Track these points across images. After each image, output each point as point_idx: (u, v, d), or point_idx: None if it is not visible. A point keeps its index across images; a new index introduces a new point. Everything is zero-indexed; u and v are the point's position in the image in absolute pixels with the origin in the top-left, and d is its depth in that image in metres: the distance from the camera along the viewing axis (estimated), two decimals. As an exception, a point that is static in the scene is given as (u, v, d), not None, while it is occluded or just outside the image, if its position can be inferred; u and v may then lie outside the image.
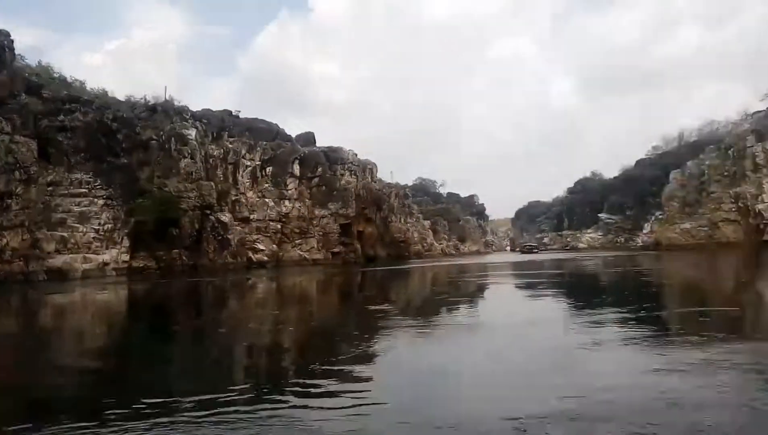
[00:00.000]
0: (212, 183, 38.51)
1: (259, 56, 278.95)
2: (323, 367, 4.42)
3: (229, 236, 38.48)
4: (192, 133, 38.79)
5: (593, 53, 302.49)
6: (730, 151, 45.56)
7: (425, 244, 72.74)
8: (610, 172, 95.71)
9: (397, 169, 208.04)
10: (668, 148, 78.08)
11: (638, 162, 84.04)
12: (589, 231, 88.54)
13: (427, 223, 79.17)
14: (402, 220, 64.75)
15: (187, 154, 37.92)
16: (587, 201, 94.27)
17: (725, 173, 45.51)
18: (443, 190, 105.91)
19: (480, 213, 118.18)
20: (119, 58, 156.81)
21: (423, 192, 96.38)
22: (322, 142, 51.88)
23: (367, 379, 3.96)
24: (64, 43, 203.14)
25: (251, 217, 41.87)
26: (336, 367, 4.40)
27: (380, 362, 4.66)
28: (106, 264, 31.11)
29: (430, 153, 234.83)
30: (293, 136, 49.76)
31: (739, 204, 42.08)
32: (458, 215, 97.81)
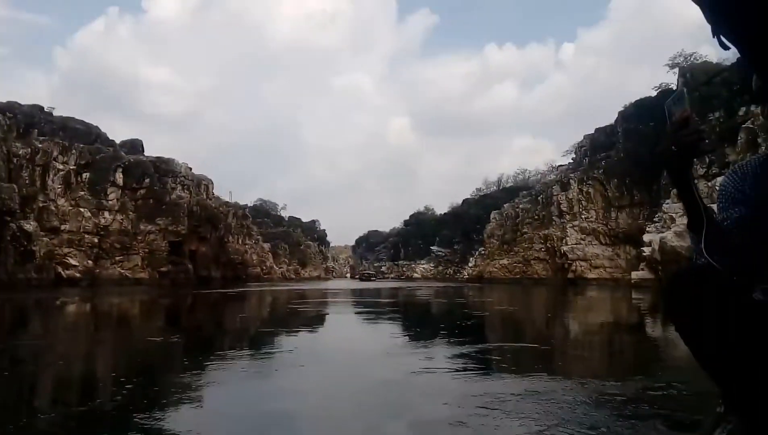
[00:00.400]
0: (14, 186, 32.37)
1: (82, 53, 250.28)
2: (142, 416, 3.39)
3: (33, 248, 32.54)
4: (-11, 125, 32.45)
5: (426, 97, 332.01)
6: (539, 198, 52.35)
7: (264, 267, 70.31)
8: (442, 207, 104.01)
9: (237, 189, 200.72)
10: (489, 191, 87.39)
11: (465, 200, 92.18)
12: (422, 262, 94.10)
13: (267, 245, 76.81)
14: (240, 240, 61.80)
15: (-18, 150, 31.52)
16: (421, 234, 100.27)
17: (536, 217, 52.09)
18: (285, 214, 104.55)
19: (321, 238, 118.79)
20: None
21: (264, 214, 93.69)
22: (151, 151, 47.26)
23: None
24: None
25: (62, 227, 36.01)
26: (148, 415, 3.40)
27: (198, 410, 3.76)
28: None
29: (272, 175, 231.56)
30: (117, 141, 44.55)
31: (547, 245, 48.34)
32: (299, 239, 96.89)
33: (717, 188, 1.37)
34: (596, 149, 48.56)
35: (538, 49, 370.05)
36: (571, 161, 54.10)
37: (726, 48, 1.06)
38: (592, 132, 51.35)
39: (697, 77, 37.71)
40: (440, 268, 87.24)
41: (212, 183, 51.47)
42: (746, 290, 1.19)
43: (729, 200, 1.33)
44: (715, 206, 1.37)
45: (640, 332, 9.11)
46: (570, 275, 42.72)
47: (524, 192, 59.61)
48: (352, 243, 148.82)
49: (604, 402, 3.50)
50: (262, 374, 4.91)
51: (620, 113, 46.63)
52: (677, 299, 1.22)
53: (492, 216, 62.45)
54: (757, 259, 1.23)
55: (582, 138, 52.90)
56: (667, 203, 30.88)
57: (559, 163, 60.08)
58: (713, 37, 1.04)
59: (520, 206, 55.41)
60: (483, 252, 62.23)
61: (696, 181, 1.21)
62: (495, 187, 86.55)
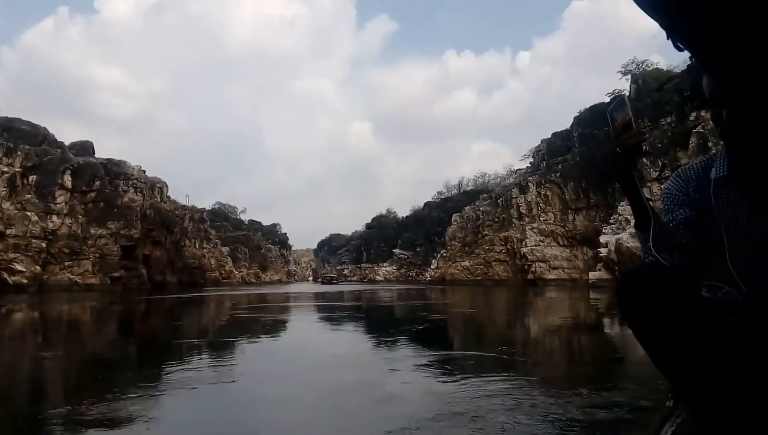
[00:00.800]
0: (-49, 188, 30.41)
1: (30, 53, 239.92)
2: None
3: (-30, 254, 30.59)
4: None
5: (387, 102, 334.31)
6: (499, 201, 53.19)
7: (223, 272, 68.68)
8: (404, 211, 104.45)
9: (194, 193, 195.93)
10: (450, 194, 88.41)
11: (426, 204, 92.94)
12: (384, 264, 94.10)
13: (226, 249, 75.11)
14: (197, 244, 60.17)
15: None
16: (383, 236, 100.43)
17: (496, 219, 52.88)
18: (244, 217, 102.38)
19: (283, 242, 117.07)
20: None
21: (222, 217, 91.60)
22: (104, 154, 45.15)
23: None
24: None
25: (8, 232, 33.98)
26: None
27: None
28: None
29: (231, 179, 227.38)
30: (66, 143, 42.43)
31: (507, 246, 49.11)
32: (259, 243, 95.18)
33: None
34: (553, 153, 49.84)
35: (495, 56, 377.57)
36: (529, 165, 55.30)
37: (681, 50, 1.07)
38: (549, 136, 52.77)
39: (648, 83, 39.25)
40: (403, 270, 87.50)
41: (167, 186, 49.81)
42: (693, 287, 1.25)
43: (674, 202, 1.37)
44: (660, 209, 1.41)
45: (599, 332, 9.22)
46: (530, 276, 43.50)
47: (484, 195, 60.48)
48: (315, 246, 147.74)
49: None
50: (219, 386, 4.50)
51: (575, 118, 48.03)
52: (628, 297, 1.25)
53: (453, 218, 63.07)
54: (702, 258, 1.30)
55: (540, 142, 54.20)
56: (622, 205, 31.85)
57: (518, 167, 61.45)
58: (668, 39, 1.05)
59: (481, 209, 56.13)
60: (445, 254, 62.73)
61: (649, 184, 1.44)
62: (456, 191, 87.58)
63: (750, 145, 1.22)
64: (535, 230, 45.27)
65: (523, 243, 45.64)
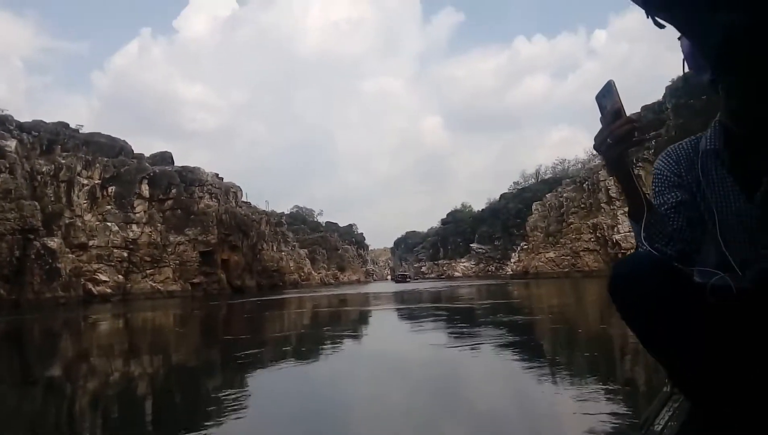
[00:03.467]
0: (36, 203, 31.99)
1: (119, 75, 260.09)
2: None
3: (58, 265, 32.05)
4: (12, 144, 32.20)
5: (456, 95, 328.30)
6: (585, 185, 48.93)
7: (302, 274, 69.28)
8: (479, 204, 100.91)
9: (273, 199, 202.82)
10: (527, 184, 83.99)
11: (502, 195, 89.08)
12: (462, 260, 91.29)
13: (304, 251, 75.84)
14: (275, 248, 60.80)
15: (4, 169, 31.26)
16: (459, 231, 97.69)
17: (582, 205, 48.67)
18: (321, 219, 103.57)
19: (359, 242, 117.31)
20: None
21: (300, 220, 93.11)
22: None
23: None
24: None
25: (90, 243, 35.47)
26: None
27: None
28: None
29: (307, 182, 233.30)
30: (146, 155, 43.90)
31: (597, 234, 44.92)
32: (337, 244, 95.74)
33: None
34: (644, 128, 45.24)
35: (568, 38, 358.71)
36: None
37: (662, 27, 1.05)
38: (639, 111, 48.48)
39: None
40: (481, 265, 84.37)
41: (241, 190, 50.43)
42: (686, 273, 1.23)
43: (665, 184, 1.32)
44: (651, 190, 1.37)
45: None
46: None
47: (567, 180, 56.15)
48: (391, 245, 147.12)
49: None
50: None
51: (668, 88, 43.88)
52: (620, 287, 1.23)
53: (534, 208, 59.28)
54: (695, 242, 1.27)
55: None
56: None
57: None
58: (647, 18, 1.04)
59: (564, 195, 52.06)
60: (526, 246, 59.15)
61: (641, 164, 1.19)
62: (533, 180, 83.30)
63: (744, 113, 1.16)
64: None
65: (615, 229, 41.55)
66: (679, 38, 1.22)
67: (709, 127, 1.30)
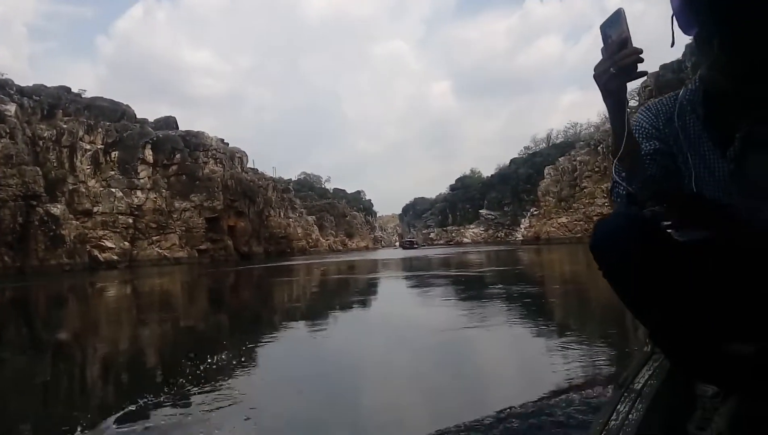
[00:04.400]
0: (38, 169, 31.35)
1: (123, 41, 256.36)
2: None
3: (62, 232, 31.62)
4: (11, 108, 31.33)
5: (465, 58, 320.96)
6: (599, 148, 47.52)
7: (310, 240, 68.93)
8: (488, 170, 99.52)
9: (281, 166, 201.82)
10: (538, 149, 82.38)
11: (512, 160, 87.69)
12: (471, 226, 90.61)
13: (311, 218, 75.35)
14: (282, 214, 60.25)
15: (5, 134, 30.51)
16: (468, 197, 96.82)
17: (596, 169, 47.38)
18: (329, 186, 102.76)
19: (367, 209, 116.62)
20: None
21: (308, 187, 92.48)
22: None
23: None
24: None
25: (95, 209, 34.95)
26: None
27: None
28: None
29: (314, 149, 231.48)
30: (151, 120, 42.84)
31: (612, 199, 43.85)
32: (344, 211, 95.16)
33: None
34: (663, 88, 43.92)
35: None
36: (636, 104, 48.88)
37: None
38: (657, 70, 46.90)
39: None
40: (490, 231, 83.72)
41: (246, 156, 49.46)
42: (664, 228, 1.24)
43: (643, 135, 1.34)
44: None
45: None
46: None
47: (581, 142, 54.64)
48: (399, 211, 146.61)
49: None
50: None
51: (688, 46, 41.50)
52: (603, 247, 1.23)
53: (546, 171, 58.00)
54: (672, 194, 1.28)
55: (645, 78, 47.69)
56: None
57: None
58: None
59: (578, 159, 50.72)
60: (537, 212, 58.13)
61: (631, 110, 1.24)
62: (544, 145, 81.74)
63: (733, 68, 1.13)
64: (644, 178, 39.77)
65: (631, 193, 40.29)
66: None
67: (688, 81, 1.30)
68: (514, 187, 79.62)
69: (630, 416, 1.24)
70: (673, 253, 1.18)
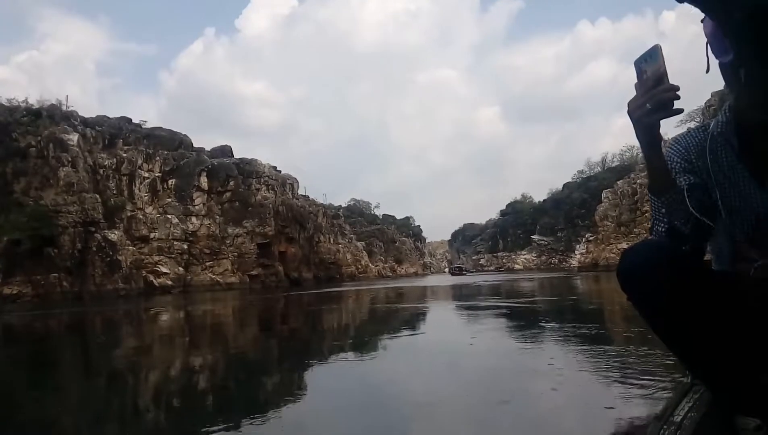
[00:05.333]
0: (97, 196, 32.80)
1: (184, 75, 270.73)
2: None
3: (119, 257, 32.77)
4: (74, 138, 33.10)
5: (513, 85, 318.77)
6: (661, 170, 45.25)
7: (359, 266, 68.82)
8: (539, 195, 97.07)
9: (331, 193, 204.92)
10: (592, 172, 79.74)
11: (565, 185, 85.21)
12: (523, 252, 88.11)
13: (361, 244, 75.40)
14: (332, 240, 60.54)
15: (67, 163, 32.22)
16: (519, 223, 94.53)
17: (657, 192, 45.10)
18: (378, 212, 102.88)
19: (417, 234, 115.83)
20: (30, 71, 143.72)
21: (357, 213, 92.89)
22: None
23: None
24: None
25: (151, 235, 36.16)
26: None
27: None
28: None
29: (363, 176, 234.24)
30: (207, 149, 44.35)
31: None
32: (394, 236, 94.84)
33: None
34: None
35: (635, 20, 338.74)
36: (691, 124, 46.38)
37: (681, 1, 1.10)
38: (723, 88, 44.26)
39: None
40: (543, 257, 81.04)
41: (297, 182, 50.20)
42: (701, 261, 1.23)
43: (677, 170, 1.30)
44: None
45: None
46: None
47: (640, 165, 52.24)
48: (448, 237, 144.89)
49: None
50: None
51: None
52: (635, 279, 1.18)
53: (604, 195, 55.78)
54: (709, 228, 1.24)
55: (709, 96, 45.22)
56: None
57: (673, 136, 52.17)
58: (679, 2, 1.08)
59: (638, 181, 48.42)
60: (592, 238, 55.70)
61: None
62: (599, 168, 78.98)
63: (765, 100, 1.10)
64: (712, 201, 37.29)
65: (697, 217, 37.85)
66: (702, 20, 1.18)
67: (718, 113, 1.28)
68: (568, 212, 77.11)
69: None
70: (710, 286, 1.14)
